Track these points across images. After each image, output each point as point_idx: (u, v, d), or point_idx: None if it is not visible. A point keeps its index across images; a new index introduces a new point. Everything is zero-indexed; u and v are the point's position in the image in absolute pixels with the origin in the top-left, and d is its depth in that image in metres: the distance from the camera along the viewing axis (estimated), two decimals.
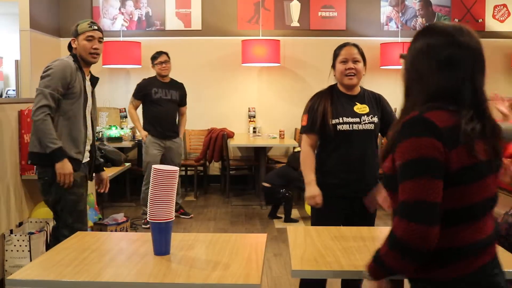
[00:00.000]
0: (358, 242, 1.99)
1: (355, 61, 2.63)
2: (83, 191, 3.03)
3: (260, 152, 6.06)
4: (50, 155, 2.85)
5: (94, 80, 3.20)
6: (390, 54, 6.88)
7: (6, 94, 8.08)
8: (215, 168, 7.24)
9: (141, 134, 5.26)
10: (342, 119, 2.60)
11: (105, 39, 7.00)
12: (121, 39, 6.95)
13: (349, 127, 2.59)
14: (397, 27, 7.25)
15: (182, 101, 5.45)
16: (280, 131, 6.55)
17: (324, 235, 2.08)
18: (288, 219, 5.37)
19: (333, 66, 2.69)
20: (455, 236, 1.36)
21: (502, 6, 7.32)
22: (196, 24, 7.14)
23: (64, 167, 2.86)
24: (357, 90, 2.72)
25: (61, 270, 1.70)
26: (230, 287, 1.59)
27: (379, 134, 2.74)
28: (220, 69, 7.21)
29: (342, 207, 2.58)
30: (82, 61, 3.06)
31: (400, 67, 6.13)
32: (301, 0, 7.16)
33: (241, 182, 7.17)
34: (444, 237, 1.34)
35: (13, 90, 8.00)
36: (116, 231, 4.13)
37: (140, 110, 5.39)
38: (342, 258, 1.81)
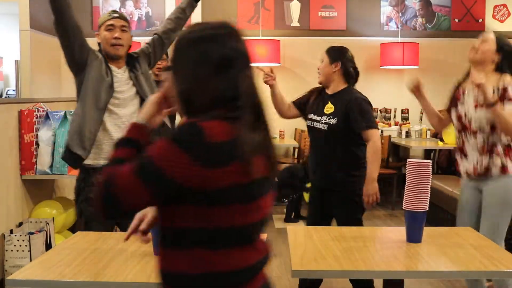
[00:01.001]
0: (358, 242, 1.99)
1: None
2: None
3: None
4: None
5: (132, 62, 2.77)
6: (390, 54, 6.88)
7: (6, 94, 8.08)
8: None
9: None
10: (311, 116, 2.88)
11: None
12: None
13: (311, 124, 2.86)
14: (397, 27, 7.24)
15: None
16: (280, 131, 6.55)
17: (324, 235, 2.08)
18: (290, 219, 5.37)
19: None
20: (223, 260, 1.23)
21: (502, 6, 7.31)
22: None
23: None
24: (332, 90, 2.86)
25: (61, 270, 1.70)
26: None
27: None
28: None
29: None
30: (107, 57, 2.73)
31: (400, 67, 6.19)
32: (301, 0, 7.16)
33: None
34: (210, 261, 1.22)
35: (13, 90, 8.00)
36: (116, 231, 4.12)
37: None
38: (342, 258, 1.81)
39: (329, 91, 2.88)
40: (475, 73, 2.64)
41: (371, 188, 2.65)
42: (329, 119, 2.77)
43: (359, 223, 2.71)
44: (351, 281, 2.66)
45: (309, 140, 3.01)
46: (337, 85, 2.84)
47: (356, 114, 2.72)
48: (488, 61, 2.63)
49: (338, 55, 2.85)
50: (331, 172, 2.78)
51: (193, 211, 1.21)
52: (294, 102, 3.09)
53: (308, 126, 2.93)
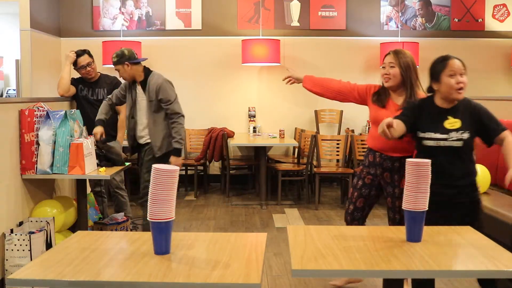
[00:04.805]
0: (358, 241, 2.00)
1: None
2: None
3: (260, 152, 6.06)
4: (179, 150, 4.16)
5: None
6: None
7: (7, 93, 8.08)
8: (215, 167, 7.24)
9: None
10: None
11: (105, 38, 7.04)
12: (121, 38, 6.95)
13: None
14: (397, 27, 7.25)
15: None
16: (280, 131, 6.56)
17: (324, 235, 2.08)
18: None
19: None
20: None
21: (501, 6, 7.31)
22: (196, 24, 7.15)
23: (179, 160, 4.19)
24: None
25: (61, 269, 1.70)
26: (230, 286, 1.60)
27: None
28: (220, 69, 7.21)
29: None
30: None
31: None
32: (301, 0, 7.17)
33: (241, 182, 7.17)
34: None
35: (14, 90, 8.00)
36: (116, 230, 4.13)
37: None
38: (342, 258, 1.81)
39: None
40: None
41: None
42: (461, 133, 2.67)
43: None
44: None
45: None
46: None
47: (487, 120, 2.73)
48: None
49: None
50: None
51: None
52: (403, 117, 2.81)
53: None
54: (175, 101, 4.11)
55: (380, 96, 3.29)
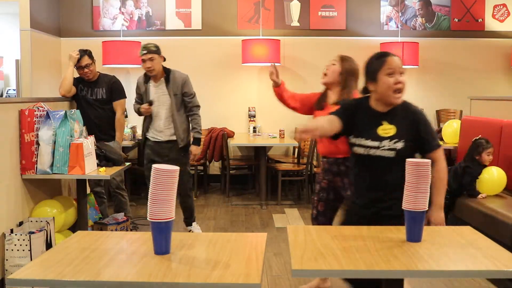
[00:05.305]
0: (358, 241, 2.00)
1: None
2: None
3: (260, 152, 6.06)
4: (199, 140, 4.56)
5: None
6: None
7: (7, 93, 8.08)
8: (215, 167, 7.24)
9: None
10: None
11: (105, 38, 7.04)
12: (121, 38, 6.95)
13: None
14: (397, 27, 7.25)
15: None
16: (280, 131, 6.56)
17: (324, 235, 2.08)
18: None
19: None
20: None
21: (501, 6, 7.31)
22: (196, 24, 7.15)
23: (199, 149, 4.60)
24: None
25: (61, 269, 1.70)
26: (230, 286, 1.60)
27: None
28: (220, 69, 7.21)
29: None
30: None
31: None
32: (301, 0, 7.17)
33: (241, 182, 7.17)
34: None
35: (14, 90, 8.01)
36: (116, 230, 4.13)
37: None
38: (342, 258, 1.81)
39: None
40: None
41: (440, 217, 2.39)
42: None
43: None
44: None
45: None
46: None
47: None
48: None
49: None
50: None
51: None
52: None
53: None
54: (195, 94, 4.55)
55: (319, 100, 3.37)
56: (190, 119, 4.52)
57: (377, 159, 2.37)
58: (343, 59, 3.24)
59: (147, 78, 4.49)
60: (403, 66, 2.39)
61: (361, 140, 2.40)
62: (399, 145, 2.34)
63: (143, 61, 4.36)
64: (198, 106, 4.56)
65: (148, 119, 4.55)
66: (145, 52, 4.32)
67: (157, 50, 4.38)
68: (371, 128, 2.39)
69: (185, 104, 4.49)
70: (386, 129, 2.37)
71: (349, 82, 3.20)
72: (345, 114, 2.46)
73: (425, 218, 2.09)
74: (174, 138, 4.45)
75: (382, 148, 2.35)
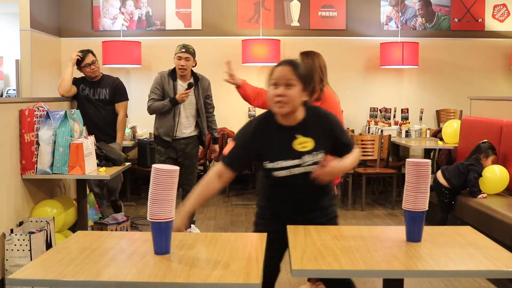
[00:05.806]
0: (358, 241, 2.00)
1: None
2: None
3: None
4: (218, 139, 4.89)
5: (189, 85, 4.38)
6: (390, 53, 6.88)
7: (7, 93, 8.08)
8: None
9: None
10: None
11: (105, 38, 7.04)
12: (121, 38, 6.95)
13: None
14: (397, 27, 7.25)
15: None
16: None
17: (324, 235, 2.08)
18: None
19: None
20: None
21: (501, 6, 7.32)
22: (196, 24, 7.15)
23: (217, 147, 4.97)
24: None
25: (61, 269, 1.70)
26: (230, 286, 1.60)
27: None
28: (220, 69, 7.17)
29: None
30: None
31: (400, 66, 6.15)
32: (301, 0, 7.17)
33: (241, 182, 7.17)
34: None
35: (14, 90, 8.01)
36: (116, 230, 4.13)
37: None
38: (342, 258, 1.81)
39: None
40: None
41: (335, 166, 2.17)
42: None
43: None
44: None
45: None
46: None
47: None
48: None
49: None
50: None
51: None
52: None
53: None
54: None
55: None
56: (209, 119, 4.75)
57: (300, 175, 2.21)
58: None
59: (174, 76, 4.45)
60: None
61: (281, 163, 2.20)
62: (321, 155, 2.21)
63: (179, 58, 4.35)
64: (214, 108, 4.86)
65: (162, 118, 4.42)
66: (183, 50, 4.35)
67: (194, 53, 4.45)
68: (286, 145, 2.20)
69: (205, 105, 4.69)
70: (303, 142, 2.20)
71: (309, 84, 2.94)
72: (243, 152, 2.25)
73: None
74: (192, 134, 4.57)
75: (305, 164, 2.20)
